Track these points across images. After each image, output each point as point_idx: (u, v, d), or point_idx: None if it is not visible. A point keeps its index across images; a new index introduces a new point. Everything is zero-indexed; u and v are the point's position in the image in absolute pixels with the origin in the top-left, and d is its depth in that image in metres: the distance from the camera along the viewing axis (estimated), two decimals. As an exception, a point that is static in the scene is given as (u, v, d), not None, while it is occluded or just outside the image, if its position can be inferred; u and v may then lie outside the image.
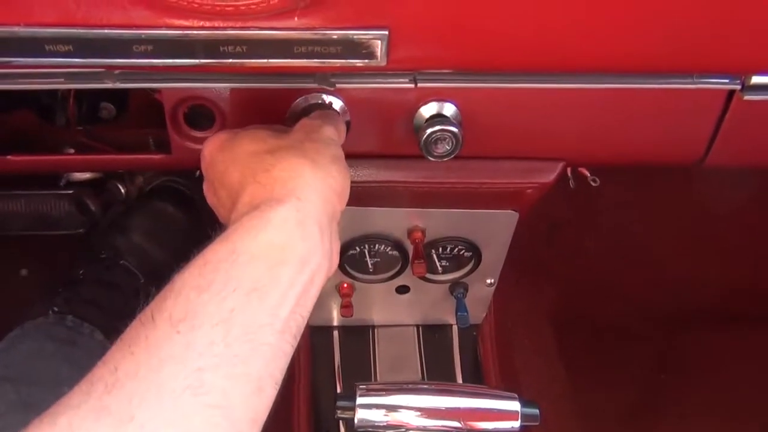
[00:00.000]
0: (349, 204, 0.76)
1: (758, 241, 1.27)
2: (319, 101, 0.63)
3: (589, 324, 1.20)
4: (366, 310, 0.89)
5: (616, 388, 1.13)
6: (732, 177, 1.27)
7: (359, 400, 0.51)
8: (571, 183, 0.81)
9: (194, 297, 0.42)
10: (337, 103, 0.64)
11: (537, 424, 0.51)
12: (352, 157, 0.69)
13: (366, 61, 0.51)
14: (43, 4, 0.48)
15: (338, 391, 0.88)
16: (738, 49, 0.56)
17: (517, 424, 0.51)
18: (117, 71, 0.57)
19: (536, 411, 0.52)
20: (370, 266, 0.83)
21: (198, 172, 1.18)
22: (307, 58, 0.51)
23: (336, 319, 0.94)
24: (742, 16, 0.54)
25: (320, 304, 0.87)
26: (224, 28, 0.49)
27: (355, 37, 0.50)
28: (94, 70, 0.58)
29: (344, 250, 0.80)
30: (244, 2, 0.46)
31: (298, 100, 0.63)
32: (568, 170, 0.81)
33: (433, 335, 0.91)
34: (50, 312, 0.96)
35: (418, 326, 0.92)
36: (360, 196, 0.73)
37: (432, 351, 0.90)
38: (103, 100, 0.89)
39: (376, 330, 0.92)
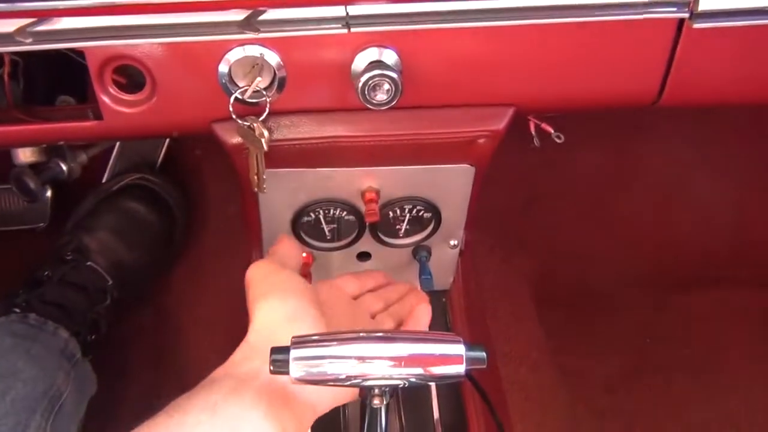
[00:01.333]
0: (294, 166, 0.74)
1: (736, 206, 1.25)
2: (256, 54, 0.61)
3: (569, 292, 1.18)
4: (328, 281, 0.86)
5: (599, 355, 1.11)
6: (711, 144, 1.25)
7: (293, 353, 0.48)
8: (536, 141, 0.78)
9: (182, 401, 0.51)
10: (273, 58, 0.61)
11: (483, 367, 0.48)
12: (292, 113, 0.68)
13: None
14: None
15: None
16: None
17: (462, 368, 0.48)
18: (31, 28, 0.55)
19: (483, 354, 0.49)
20: (327, 233, 0.80)
21: (158, 164, 1.15)
22: (216, -9, 0.48)
23: None
24: None
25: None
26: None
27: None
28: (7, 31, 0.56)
29: (297, 217, 0.77)
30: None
31: (234, 50, 0.60)
32: (532, 128, 0.78)
33: (399, 303, 0.88)
34: (12, 312, 0.93)
35: (383, 295, 0.89)
36: (305, 155, 0.70)
37: (399, 319, 0.87)
38: (61, 93, 0.87)
39: (340, 301, 0.89)
